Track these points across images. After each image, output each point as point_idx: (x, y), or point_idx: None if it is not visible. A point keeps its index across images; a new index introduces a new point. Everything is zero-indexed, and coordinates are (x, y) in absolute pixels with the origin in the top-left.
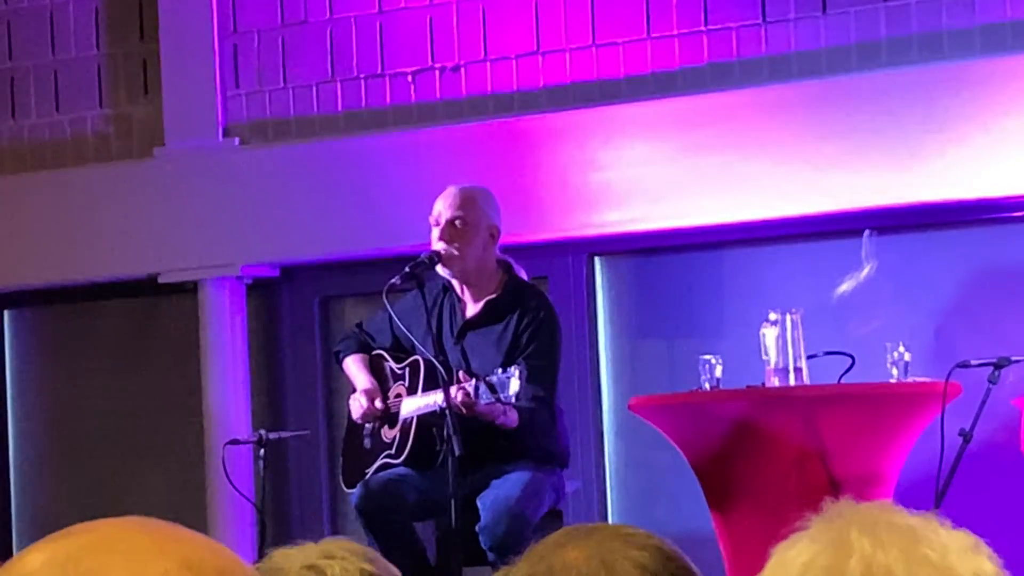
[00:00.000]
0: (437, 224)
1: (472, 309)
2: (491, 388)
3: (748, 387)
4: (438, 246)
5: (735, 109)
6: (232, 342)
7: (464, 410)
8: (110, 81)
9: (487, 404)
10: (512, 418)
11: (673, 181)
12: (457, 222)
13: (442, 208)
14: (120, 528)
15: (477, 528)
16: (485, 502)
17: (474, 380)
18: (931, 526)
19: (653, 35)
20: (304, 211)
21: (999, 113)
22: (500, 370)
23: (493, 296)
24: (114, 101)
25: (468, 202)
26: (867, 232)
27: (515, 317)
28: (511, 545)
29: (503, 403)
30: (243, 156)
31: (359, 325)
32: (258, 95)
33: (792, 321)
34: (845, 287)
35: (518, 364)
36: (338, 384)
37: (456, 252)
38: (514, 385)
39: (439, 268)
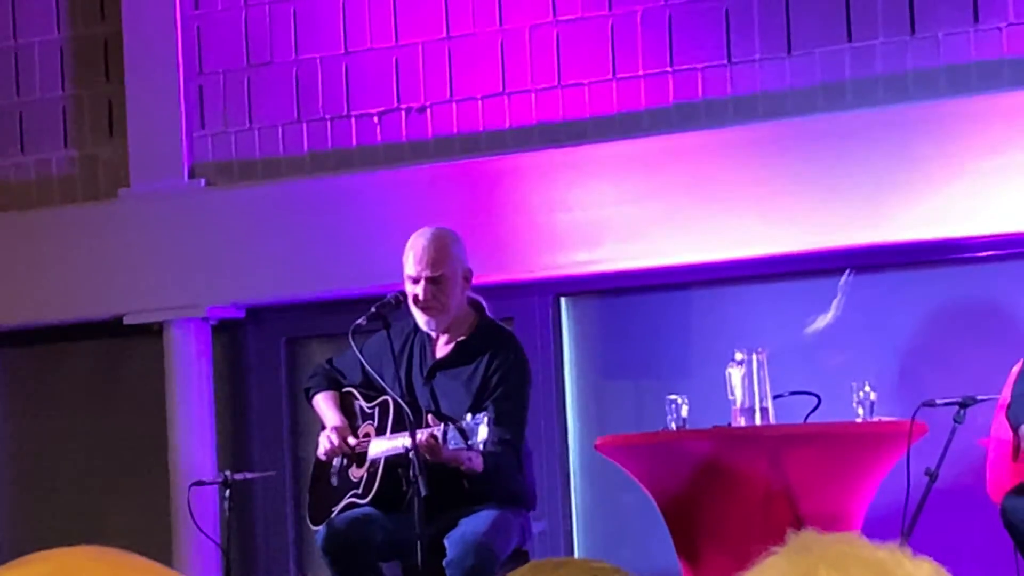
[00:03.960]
0: (415, 282)
1: (442, 349)
2: (461, 434)
3: (714, 427)
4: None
5: (701, 150)
6: (198, 383)
7: (429, 455)
8: (75, 122)
9: (454, 449)
10: (477, 463)
11: (639, 221)
12: (438, 280)
13: (419, 268)
14: (76, 557)
15: (444, 563)
16: (452, 538)
17: (442, 424)
18: (896, 558)
19: (619, 76)
20: (270, 252)
21: (964, 154)
22: (469, 416)
23: (463, 337)
24: (79, 142)
25: (442, 256)
26: (848, 272)
27: (485, 359)
28: None
29: (470, 449)
30: (209, 197)
31: (329, 361)
32: (224, 136)
33: (758, 361)
34: (815, 326)
35: (486, 411)
36: (304, 426)
37: (439, 308)
38: (483, 432)
39: (423, 323)
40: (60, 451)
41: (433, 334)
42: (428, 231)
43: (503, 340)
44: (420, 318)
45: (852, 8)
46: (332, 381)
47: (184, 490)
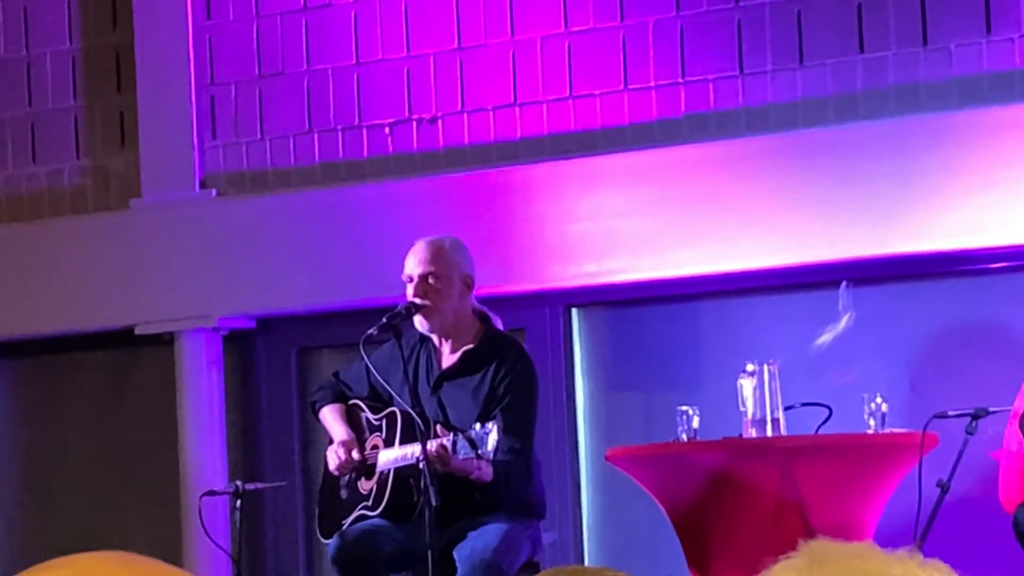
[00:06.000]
0: (410, 281)
1: (448, 359)
2: (471, 443)
3: (725, 438)
4: (414, 301)
5: (712, 161)
6: (209, 393)
7: (439, 465)
8: (87, 133)
9: (463, 459)
10: (487, 472)
11: (650, 233)
12: (430, 278)
13: (413, 265)
14: (99, 561)
15: None
16: (462, 554)
17: (452, 434)
18: (909, 569)
19: (630, 87)
20: (281, 262)
21: (976, 165)
22: (478, 425)
23: (470, 346)
24: (91, 153)
25: (438, 256)
26: (844, 284)
27: (492, 368)
28: None
29: (480, 458)
30: (220, 207)
31: (336, 374)
32: (235, 147)
33: (769, 372)
34: (825, 338)
35: (495, 420)
36: (314, 435)
37: (432, 307)
38: (492, 441)
39: (417, 323)
40: (71, 461)
41: (437, 342)
42: (430, 237)
43: (509, 349)
44: (415, 320)
45: (864, 19)
46: (338, 394)
47: (195, 500)
